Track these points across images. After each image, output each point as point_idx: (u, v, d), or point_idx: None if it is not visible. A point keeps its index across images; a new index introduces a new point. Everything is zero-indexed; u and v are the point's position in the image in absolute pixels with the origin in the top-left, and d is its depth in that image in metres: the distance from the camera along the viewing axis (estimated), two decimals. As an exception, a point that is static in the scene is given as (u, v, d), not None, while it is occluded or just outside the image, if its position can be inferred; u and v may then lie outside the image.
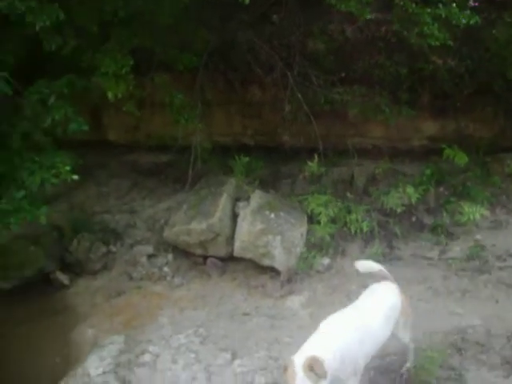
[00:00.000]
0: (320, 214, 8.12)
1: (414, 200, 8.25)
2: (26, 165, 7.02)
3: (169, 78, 8.53)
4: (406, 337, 5.47)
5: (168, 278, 7.83)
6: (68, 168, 6.85)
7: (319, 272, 7.78)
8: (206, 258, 8.01)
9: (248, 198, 8.21)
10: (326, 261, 7.88)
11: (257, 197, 8.14)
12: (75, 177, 6.91)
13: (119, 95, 7.11)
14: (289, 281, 7.61)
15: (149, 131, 9.79)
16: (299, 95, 8.56)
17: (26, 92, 6.96)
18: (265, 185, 8.89)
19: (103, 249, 8.22)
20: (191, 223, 7.86)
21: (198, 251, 7.99)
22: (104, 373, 5.83)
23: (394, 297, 5.33)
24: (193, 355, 6.12)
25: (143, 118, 9.05)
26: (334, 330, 4.72)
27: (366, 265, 5.90)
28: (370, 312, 5.07)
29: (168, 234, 8.12)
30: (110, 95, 7.11)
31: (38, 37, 7.11)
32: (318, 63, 8.93)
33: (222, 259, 7.96)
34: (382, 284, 5.50)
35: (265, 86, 9.32)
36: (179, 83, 8.64)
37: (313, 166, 8.31)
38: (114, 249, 8.30)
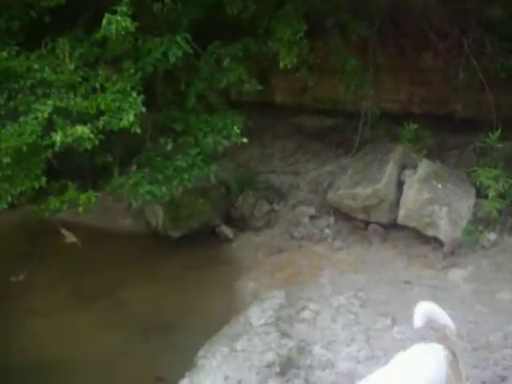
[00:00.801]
0: (489, 187, 7.66)
1: None
2: (200, 125, 7.33)
3: (340, 42, 8.44)
4: None
5: (329, 240, 7.84)
6: (238, 131, 7.06)
7: (484, 247, 7.37)
8: (367, 223, 7.90)
9: (415, 167, 7.93)
10: (493, 237, 7.44)
11: (424, 166, 7.85)
12: (245, 140, 7.12)
13: (294, 60, 7.14)
14: (452, 253, 7.31)
15: (316, 95, 9.75)
16: (474, 62, 8.11)
17: (203, 54, 7.23)
18: (430, 154, 8.53)
19: (267, 207, 8.40)
20: (356, 188, 7.78)
21: (360, 216, 7.89)
22: (266, 324, 5.97)
23: (436, 368, 3.99)
24: (352, 317, 6.11)
25: (312, 81, 9.03)
26: None
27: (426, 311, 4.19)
28: None
29: (332, 196, 8.10)
30: (284, 62, 7.17)
31: (219, 2, 7.36)
32: (494, 30, 8.39)
33: (383, 226, 7.80)
34: (427, 348, 4.23)
35: (438, 53, 8.92)
36: (350, 47, 8.52)
37: (492, 138, 7.79)
38: (277, 207, 8.45)
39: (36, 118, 6.21)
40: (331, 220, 8.13)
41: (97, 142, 6.24)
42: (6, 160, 6.06)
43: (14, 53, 6.56)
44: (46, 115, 6.17)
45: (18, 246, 8.46)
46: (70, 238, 8.17)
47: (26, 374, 5.98)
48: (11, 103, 6.48)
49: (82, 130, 5.99)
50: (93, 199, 6.79)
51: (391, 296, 6.54)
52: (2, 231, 7.93)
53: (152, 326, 6.56)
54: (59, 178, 7.32)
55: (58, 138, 5.96)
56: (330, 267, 7.16)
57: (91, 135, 6.06)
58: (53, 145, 6.10)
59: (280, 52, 7.35)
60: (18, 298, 7.40)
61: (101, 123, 6.24)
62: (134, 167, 7.42)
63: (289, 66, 7.39)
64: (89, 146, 6.16)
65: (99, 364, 6.08)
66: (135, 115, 6.30)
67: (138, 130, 6.43)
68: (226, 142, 7.23)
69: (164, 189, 7.09)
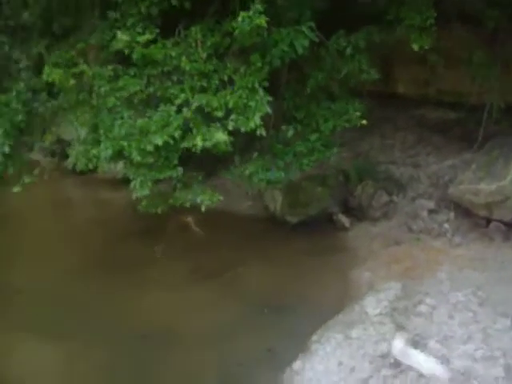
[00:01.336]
0: None
1: None
2: (321, 112, 7.35)
3: (468, 32, 8.13)
4: None
5: (447, 235, 7.64)
6: (358, 114, 7.03)
7: None
8: (489, 220, 7.61)
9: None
10: None
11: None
12: (364, 122, 7.06)
13: (425, 47, 6.96)
14: None
15: (440, 86, 9.46)
16: None
17: (326, 43, 7.19)
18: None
19: (385, 198, 8.31)
20: (480, 183, 7.51)
21: (482, 213, 7.61)
22: (381, 314, 5.96)
23: None
24: (470, 314, 5.93)
25: (435, 72, 8.78)
26: None
27: None
28: None
29: (453, 191, 7.88)
30: (416, 44, 6.98)
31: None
32: None
33: (506, 224, 7.49)
34: None
35: None
36: (478, 38, 8.18)
37: None
38: (395, 199, 8.34)
39: (179, 110, 6.47)
40: (451, 215, 7.91)
41: (230, 147, 6.45)
42: (150, 148, 6.34)
43: (152, 38, 6.79)
44: (189, 114, 6.41)
45: (148, 222, 8.91)
46: (191, 224, 8.54)
47: (150, 342, 6.29)
48: (150, 89, 6.76)
49: (220, 135, 6.19)
50: (215, 199, 7.00)
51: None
52: (135, 207, 8.32)
53: (268, 306, 6.71)
54: (184, 166, 7.63)
55: (198, 142, 6.19)
56: (449, 263, 6.98)
57: (226, 139, 6.25)
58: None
59: (410, 38, 7.18)
60: (146, 270, 7.82)
61: (230, 124, 6.37)
62: (255, 154, 7.57)
63: (419, 49, 7.16)
64: (223, 148, 6.36)
65: (217, 334, 6.32)
66: (261, 117, 6.37)
67: (264, 133, 6.49)
68: (346, 124, 7.23)
69: (282, 174, 7.21)
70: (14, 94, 7.39)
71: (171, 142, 6.31)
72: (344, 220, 8.26)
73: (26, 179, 7.65)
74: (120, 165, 9.44)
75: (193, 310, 6.84)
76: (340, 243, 7.93)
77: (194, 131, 6.32)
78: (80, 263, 8.33)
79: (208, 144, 6.21)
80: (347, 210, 8.44)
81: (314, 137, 7.29)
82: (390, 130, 9.87)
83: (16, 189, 7.63)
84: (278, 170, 7.24)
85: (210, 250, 8.08)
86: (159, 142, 6.24)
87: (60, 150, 11.87)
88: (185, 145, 6.37)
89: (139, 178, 6.72)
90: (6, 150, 7.31)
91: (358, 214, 8.35)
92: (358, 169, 8.69)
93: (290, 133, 7.38)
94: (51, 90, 7.75)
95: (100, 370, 6.04)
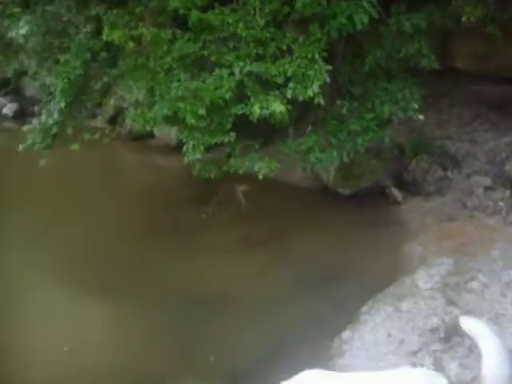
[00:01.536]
0: None
1: None
2: (377, 92, 7.23)
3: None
4: None
5: (502, 213, 7.46)
6: (416, 106, 6.89)
7: None
8: (545, 199, 7.46)
9: None
10: None
11: None
12: (421, 117, 6.96)
13: (480, 13, 6.74)
14: None
15: (500, 61, 9.21)
16: None
17: (387, 20, 7.03)
18: None
19: (440, 173, 8.18)
20: (537, 161, 7.35)
21: (539, 191, 7.46)
22: (432, 289, 5.91)
23: None
24: (523, 294, 5.85)
25: (495, 46, 8.51)
26: None
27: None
28: None
29: (510, 168, 7.73)
30: (469, 15, 6.78)
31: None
32: None
33: None
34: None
35: None
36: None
37: None
38: (450, 175, 8.19)
39: (232, 73, 6.47)
40: (507, 193, 7.71)
41: (287, 117, 6.41)
42: (202, 111, 6.38)
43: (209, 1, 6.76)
44: (241, 76, 6.39)
45: (201, 189, 9.02)
46: (238, 193, 8.58)
47: (201, 304, 6.39)
48: (205, 52, 6.76)
49: (278, 105, 6.16)
50: (273, 167, 7.05)
51: None
52: (187, 174, 8.42)
53: (317, 275, 6.73)
54: (238, 133, 7.65)
55: (256, 109, 6.18)
56: (503, 241, 6.82)
57: (284, 109, 6.21)
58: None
59: (465, 11, 6.96)
60: (197, 236, 7.94)
61: (288, 92, 6.33)
62: (309, 128, 7.53)
63: (469, 20, 6.94)
64: (279, 118, 6.33)
65: (267, 300, 6.39)
66: (319, 86, 6.31)
67: (322, 101, 6.43)
68: (401, 115, 7.12)
69: (335, 154, 7.14)
70: (74, 51, 7.50)
71: (221, 103, 6.33)
72: (397, 194, 8.17)
73: (86, 136, 7.81)
74: (174, 132, 9.60)
75: (244, 275, 6.94)
76: (392, 217, 7.86)
77: (252, 99, 6.32)
78: (134, 226, 8.52)
79: (265, 112, 6.20)
80: (400, 184, 8.33)
81: (369, 116, 7.18)
82: (446, 106, 9.69)
83: (74, 147, 7.80)
84: (332, 148, 7.19)
85: (262, 218, 8.14)
86: (209, 102, 6.27)
87: (118, 117, 12.11)
88: (242, 111, 6.39)
89: (192, 141, 6.77)
90: (62, 105, 7.44)
91: (411, 188, 8.24)
92: (413, 143, 8.56)
93: (345, 109, 7.32)
94: (110, 56, 7.88)
95: (152, 328, 6.21)
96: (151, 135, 11.91)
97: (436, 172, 8.17)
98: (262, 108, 6.18)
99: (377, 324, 5.55)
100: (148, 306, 6.50)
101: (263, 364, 5.19)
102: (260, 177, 6.93)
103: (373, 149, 8.36)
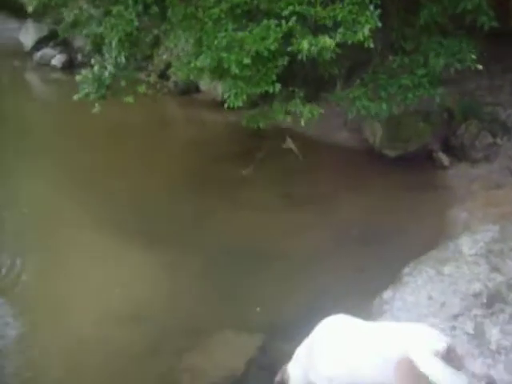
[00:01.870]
0: None
1: None
2: (432, 46, 7.02)
3: None
4: None
5: (550, 182, 7.30)
6: (474, 56, 6.67)
7: None
8: None
9: None
10: None
11: None
12: (480, 66, 6.72)
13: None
14: None
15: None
16: None
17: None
18: None
19: (489, 139, 7.99)
20: None
21: None
22: (476, 255, 5.79)
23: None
24: None
25: None
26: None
27: None
28: None
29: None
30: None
31: None
32: None
33: None
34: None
35: None
36: None
37: None
38: (499, 141, 7.99)
39: (279, 25, 6.37)
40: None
41: (334, 56, 6.29)
42: (247, 61, 6.30)
43: None
44: (290, 24, 6.29)
45: (245, 145, 9.01)
46: (289, 144, 8.50)
47: (240, 258, 6.44)
48: (254, 1, 6.63)
49: (327, 40, 6.04)
50: (315, 113, 6.98)
51: None
52: (232, 129, 8.42)
53: (360, 235, 6.71)
54: (284, 86, 7.57)
55: (305, 45, 6.07)
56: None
57: (334, 46, 6.10)
58: (295, 52, 6.24)
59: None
60: (240, 191, 7.96)
61: (338, 36, 6.20)
62: (358, 81, 7.42)
63: None
64: (328, 57, 6.22)
65: (307, 256, 6.40)
66: (370, 30, 6.18)
67: (372, 45, 6.29)
68: (458, 66, 6.91)
69: (384, 106, 7.04)
70: (128, 2, 7.48)
71: (267, 54, 6.26)
72: (444, 158, 8.02)
73: (139, 89, 7.84)
74: (220, 87, 9.55)
75: (284, 232, 6.93)
76: (438, 181, 7.74)
77: (300, 39, 6.21)
78: (178, 178, 8.57)
79: (314, 49, 6.08)
80: (448, 149, 8.17)
81: (421, 72, 7.02)
82: (500, 71, 9.36)
83: (128, 99, 7.83)
84: (381, 101, 7.10)
85: (305, 177, 8.10)
86: (254, 53, 6.21)
87: (167, 72, 12.09)
88: (291, 48, 6.28)
89: (235, 89, 6.73)
90: (118, 57, 7.47)
91: (458, 153, 8.07)
92: (463, 107, 8.34)
93: (396, 64, 7.18)
94: (161, 8, 7.82)
95: (195, 279, 6.28)
96: (197, 90, 11.91)
97: (485, 138, 7.97)
98: (310, 44, 6.06)
99: (418, 286, 5.48)
100: (191, 258, 6.55)
101: (303, 316, 5.19)
102: (302, 123, 6.88)
103: (421, 111, 8.21)
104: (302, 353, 3.81)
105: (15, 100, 12.46)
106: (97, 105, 7.82)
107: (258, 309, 5.64)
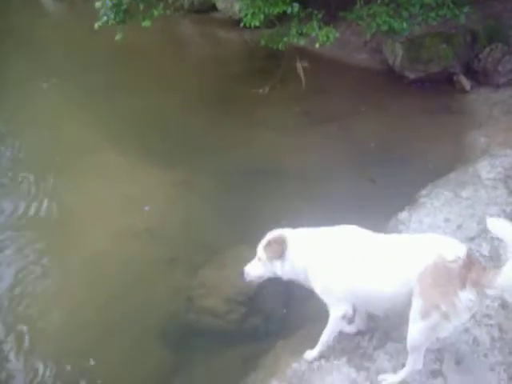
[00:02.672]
0: None
1: None
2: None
3: None
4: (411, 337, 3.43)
5: None
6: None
7: None
8: None
9: None
10: None
11: None
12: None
13: None
14: None
15: None
16: None
17: None
18: None
19: (513, 64, 7.63)
20: None
21: None
22: (494, 179, 5.63)
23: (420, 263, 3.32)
24: None
25: None
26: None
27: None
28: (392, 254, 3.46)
29: None
30: None
31: None
32: None
33: None
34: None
35: None
36: None
37: None
38: (524, 67, 7.65)
39: None
40: None
41: None
42: None
43: None
44: None
45: (262, 64, 8.73)
46: (299, 70, 8.19)
47: (251, 176, 6.34)
48: None
49: None
50: (331, 36, 6.75)
51: None
52: (248, 48, 8.13)
53: (378, 154, 6.55)
54: (304, 6, 7.23)
55: None
56: None
57: None
58: None
59: None
60: (257, 110, 7.75)
61: None
62: (379, 0, 7.11)
63: None
64: None
65: (322, 173, 6.31)
66: None
67: None
68: None
69: (405, 24, 6.79)
70: None
71: None
72: (465, 82, 7.68)
73: (156, 12, 7.62)
74: (237, 5, 9.19)
75: (303, 150, 6.79)
76: (458, 105, 7.43)
77: None
78: (194, 97, 8.38)
79: None
80: (469, 73, 7.81)
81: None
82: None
83: (145, 23, 7.64)
84: (402, 20, 6.83)
85: (323, 97, 7.86)
86: None
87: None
88: None
89: (252, 9, 6.61)
90: None
91: (480, 77, 7.72)
92: (487, 30, 7.88)
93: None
94: None
95: (208, 195, 6.19)
96: (214, 8, 11.47)
97: (509, 63, 7.58)
98: None
99: (435, 208, 5.35)
100: (207, 176, 6.46)
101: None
102: (317, 45, 6.74)
103: (444, 33, 7.86)
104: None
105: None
106: (119, 32, 7.80)
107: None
